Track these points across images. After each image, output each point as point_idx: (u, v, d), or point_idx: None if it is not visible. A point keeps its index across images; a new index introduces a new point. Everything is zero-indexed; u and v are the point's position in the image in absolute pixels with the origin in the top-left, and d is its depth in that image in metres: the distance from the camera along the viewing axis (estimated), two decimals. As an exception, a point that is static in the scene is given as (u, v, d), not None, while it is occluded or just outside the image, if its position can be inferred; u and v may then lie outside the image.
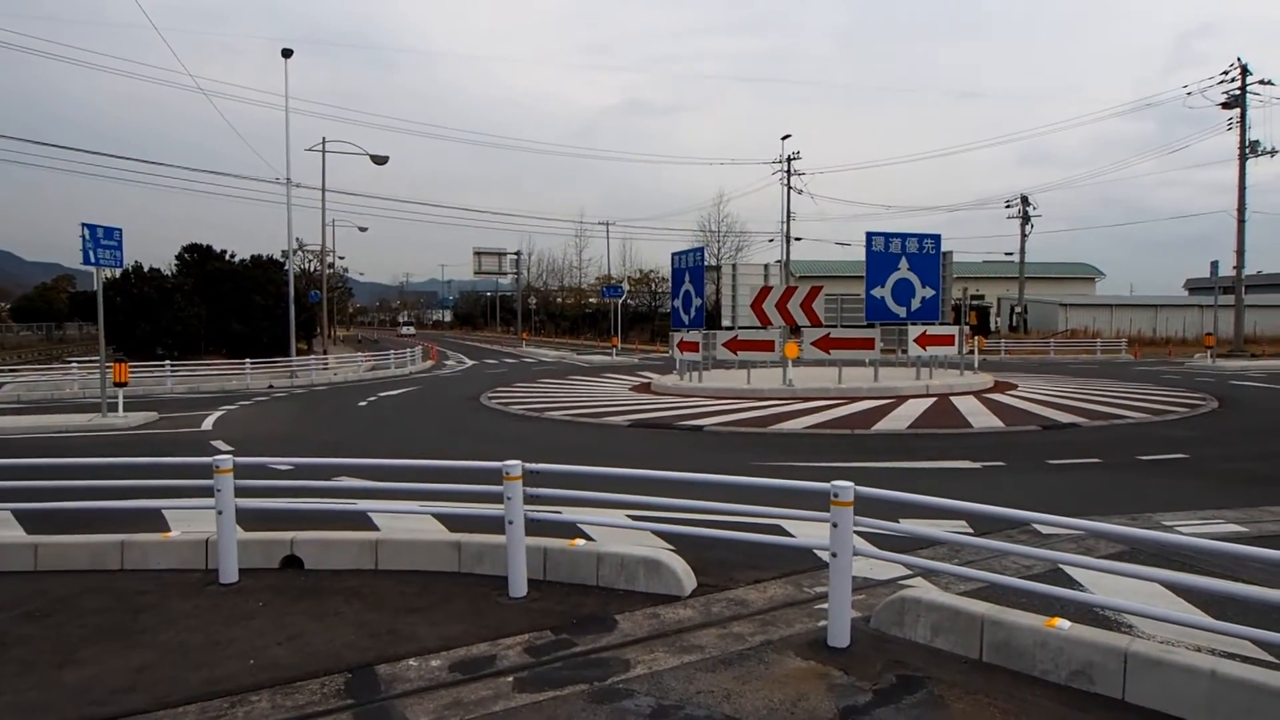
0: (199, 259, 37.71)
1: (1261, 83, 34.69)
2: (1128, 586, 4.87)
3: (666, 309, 28.53)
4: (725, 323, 20.45)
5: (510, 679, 4.11)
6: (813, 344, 19.16)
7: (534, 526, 5.55)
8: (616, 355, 38.50)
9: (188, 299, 34.57)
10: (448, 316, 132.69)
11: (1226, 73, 35.08)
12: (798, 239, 49.42)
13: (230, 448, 12.03)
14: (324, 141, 32.37)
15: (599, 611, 5.01)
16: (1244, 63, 34.68)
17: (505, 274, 62.82)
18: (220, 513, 5.59)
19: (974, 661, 4.19)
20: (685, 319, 21.00)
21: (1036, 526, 6.44)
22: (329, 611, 5.14)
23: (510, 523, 5.22)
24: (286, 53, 27.56)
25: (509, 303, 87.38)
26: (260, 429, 15.04)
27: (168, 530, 6.53)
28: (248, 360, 25.99)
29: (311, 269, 57.10)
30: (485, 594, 5.36)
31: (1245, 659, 3.96)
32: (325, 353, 34.27)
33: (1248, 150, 34.96)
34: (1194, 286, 68.80)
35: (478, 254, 56.05)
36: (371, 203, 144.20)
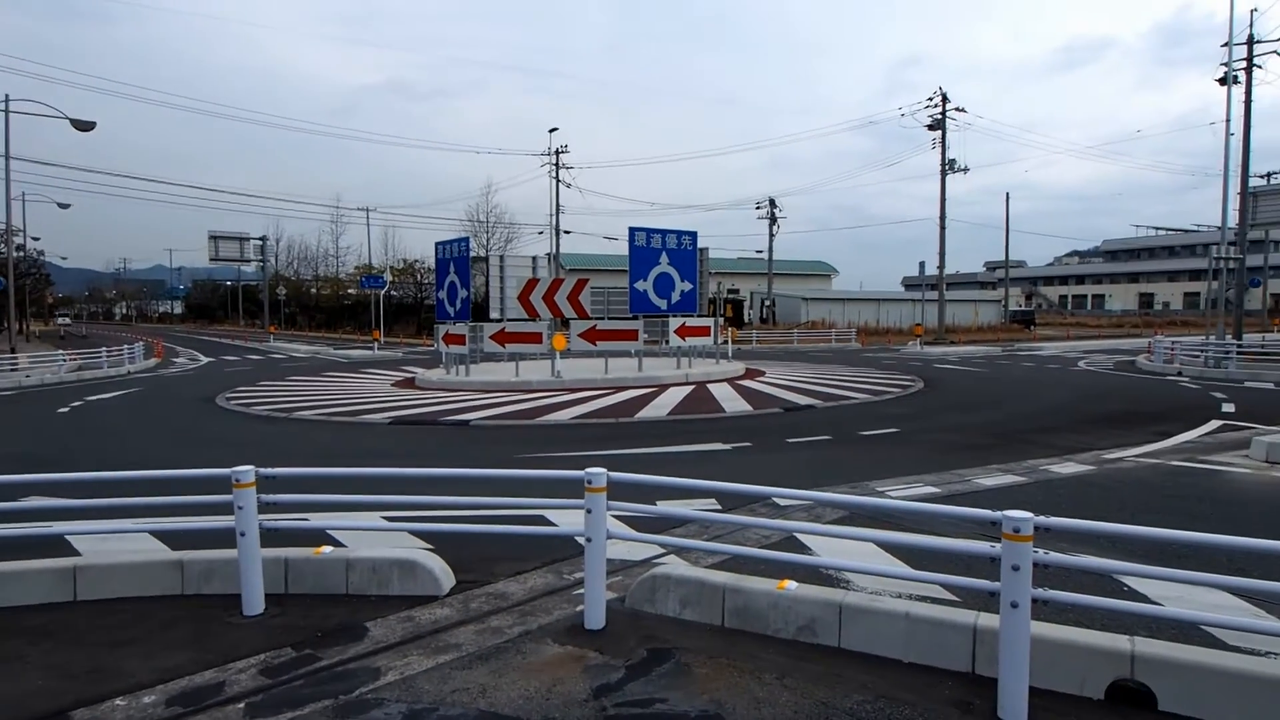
0: None
1: (958, 109, 40.86)
2: (849, 547, 5.49)
3: (433, 301, 27.44)
4: (494, 315, 20.17)
5: (241, 705, 3.73)
6: (580, 335, 19.51)
7: (279, 536, 5.10)
8: (379, 349, 36.57)
9: None
10: (178, 308, 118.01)
11: (931, 99, 40.85)
12: (567, 232, 50.12)
13: (-125, 469, 9.75)
14: (6, 99, 27.35)
15: (348, 620, 4.70)
16: (944, 92, 40.61)
17: (249, 261, 56.95)
18: None
19: (718, 628, 4.49)
20: (451, 311, 20.44)
21: (776, 499, 7.05)
22: (10, 656, 4.34)
23: (242, 534, 4.73)
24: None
25: (254, 293, 79.57)
26: (-79, 444, 12.36)
27: None
28: (-95, 361, 21.28)
29: (-4, 252, 47.98)
30: (214, 615, 4.82)
31: (936, 600, 4.62)
32: (14, 350, 28.97)
33: (947, 167, 40.96)
34: (909, 283, 79.49)
35: (214, 238, 50.19)
36: (78, 176, 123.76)
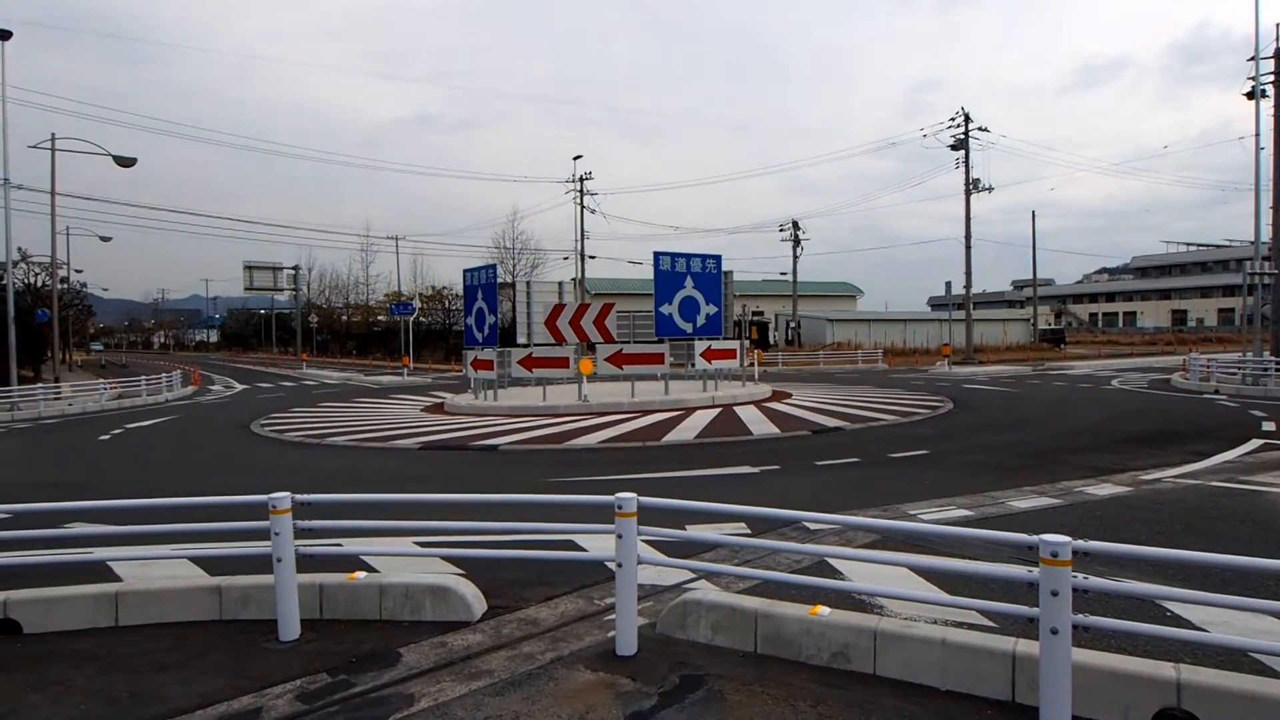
0: (-117, 271, 31.26)
1: (980, 129, 40.72)
2: (881, 572, 5.42)
3: (461, 327, 27.63)
4: (521, 340, 20.34)
5: (279, 731, 3.77)
6: (606, 360, 19.58)
7: (312, 562, 5.16)
8: (408, 375, 36.98)
9: None
10: (214, 336, 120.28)
11: (954, 119, 40.77)
12: (592, 257, 50.42)
13: (-76, 497, 10.03)
14: (53, 138, 28.29)
15: (382, 646, 4.74)
16: (966, 111, 40.54)
17: (282, 290, 57.90)
18: (-98, 576, 4.64)
19: (750, 654, 4.45)
20: (479, 337, 20.64)
21: (806, 524, 7.00)
22: (54, 680, 4.43)
23: (278, 560, 4.80)
24: (3, 34, 23.75)
25: (287, 321, 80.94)
26: (-32, 472, 12.70)
27: None
28: (-48, 392, 21.92)
29: (39, 284, 49.44)
30: (251, 641, 4.88)
31: (971, 626, 4.55)
32: (57, 380, 29.72)
33: (971, 186, 40.75)
34: (935, 303, 78.85)
35: (249, 268, 51.16)
36: (119, 210, 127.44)
